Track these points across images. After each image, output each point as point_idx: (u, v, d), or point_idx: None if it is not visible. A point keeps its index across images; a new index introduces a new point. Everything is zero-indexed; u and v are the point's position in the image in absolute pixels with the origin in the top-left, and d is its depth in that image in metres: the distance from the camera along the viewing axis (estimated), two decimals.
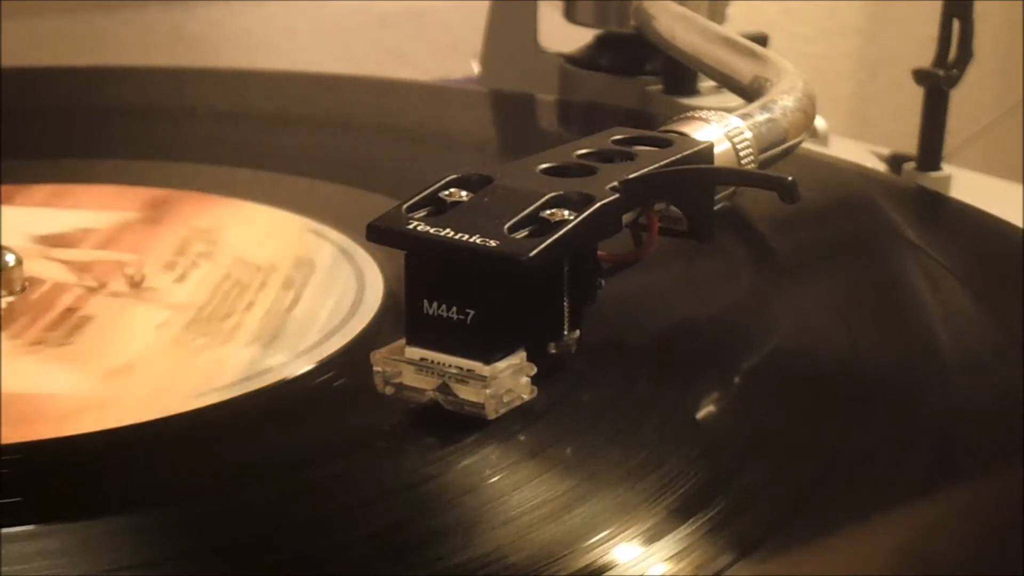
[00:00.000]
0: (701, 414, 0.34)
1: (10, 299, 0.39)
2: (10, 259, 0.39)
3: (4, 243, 0.40)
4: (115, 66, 0.71)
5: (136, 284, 0.40)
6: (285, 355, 0.35)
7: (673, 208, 0.37)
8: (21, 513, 0.29)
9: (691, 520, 0.28)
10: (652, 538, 0.28)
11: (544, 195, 0.32)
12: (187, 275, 0.40)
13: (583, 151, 0.36)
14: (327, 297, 0.39)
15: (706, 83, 0.61)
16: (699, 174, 0.37)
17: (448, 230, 0.31)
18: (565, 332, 0.33)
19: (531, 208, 0.32)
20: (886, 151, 0.60)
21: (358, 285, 0.40)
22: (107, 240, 0.43)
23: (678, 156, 0.36)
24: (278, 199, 0.47)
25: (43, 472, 0.31)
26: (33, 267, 0.40)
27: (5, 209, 0.46)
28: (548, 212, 0.32)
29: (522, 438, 0.31)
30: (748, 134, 0.40)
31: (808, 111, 0.43)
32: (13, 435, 0.31)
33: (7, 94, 0.58)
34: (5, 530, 0.28)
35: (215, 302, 0.39)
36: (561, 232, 0.31)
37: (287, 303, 0.38)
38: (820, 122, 0.60)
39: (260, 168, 0.52)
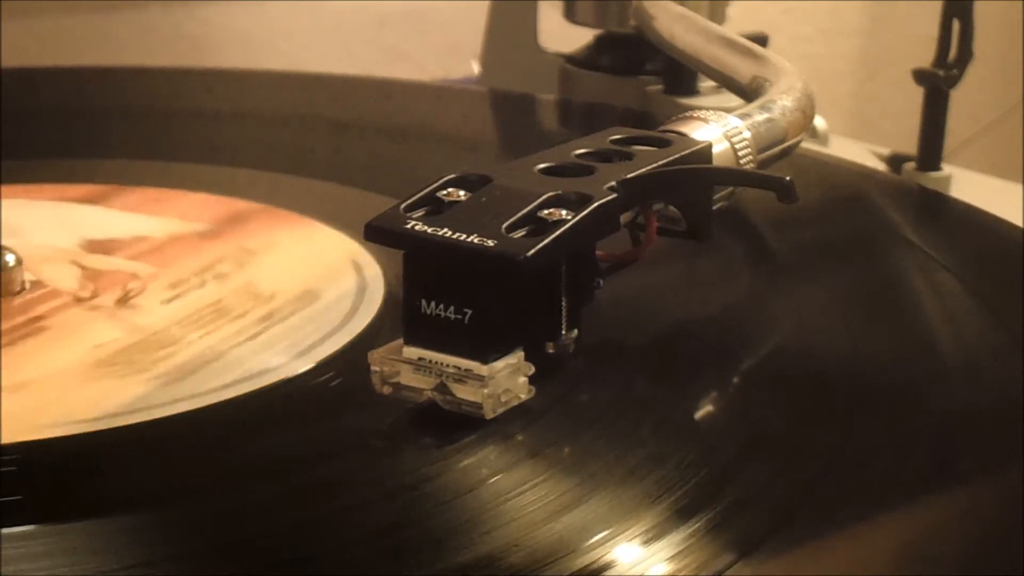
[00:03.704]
0: (701, 414, 0.34)
1: (11, 300, 0.39)
2: (10, 259, 0.39)
3: (54, 241, 0.39)
4: (115, 66, 0.70)
5: (123, 300, 0.39)
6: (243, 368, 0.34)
7: (672, 208, 0.37)
8: (21, 513, 0.29)
9: (691, 520, 0.28)
10: (652, 538, 0.28)
11: (542, 195, 0.32)
12: (183, 295, 0.39)
13: (581, 151, 0.36)
14: (301, 331, 0.37)
15: (706, 83, 0.61)
16: (697, 174, 0.37)
17: (446, 230, 0.31)
18: (563, 332, 0.33)
19: (529, 208, 0.32)
20: (886, 151, 0.60)
21: (351, 306, 0.38)
22: (151, 250, 0.42)
23: (676, 156, 0.36)
24: (278, 199, 0.47)
25: (43, 472, 0.31)
26: (50, 270, 0.40)
27: (79, 208, 0.46)
28: (546, 212, 0.32)
29: (520, 438, 0.31)
30: (747, 134, 0.40)
31: (807, 111, 0.43)
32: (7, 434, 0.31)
33: (7, 94, 0.58)
34: (5, 530, 0.28)
35: (172, 329, 0.37)
36: (559, 232, 0.31)
37: (243, 338, 0.36)
38: (820, 122, 0.60)
39: (260, 168, 0.52)
